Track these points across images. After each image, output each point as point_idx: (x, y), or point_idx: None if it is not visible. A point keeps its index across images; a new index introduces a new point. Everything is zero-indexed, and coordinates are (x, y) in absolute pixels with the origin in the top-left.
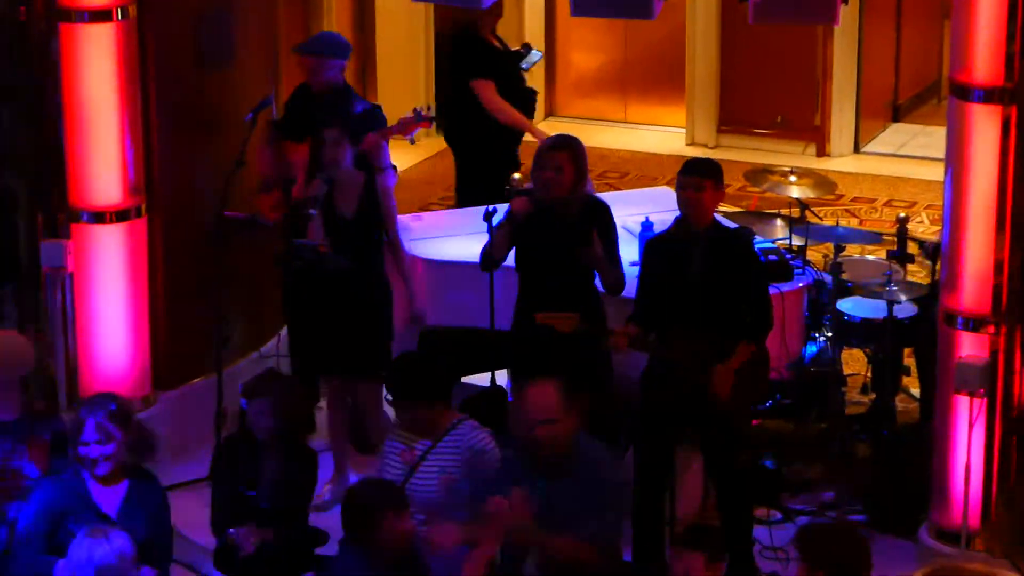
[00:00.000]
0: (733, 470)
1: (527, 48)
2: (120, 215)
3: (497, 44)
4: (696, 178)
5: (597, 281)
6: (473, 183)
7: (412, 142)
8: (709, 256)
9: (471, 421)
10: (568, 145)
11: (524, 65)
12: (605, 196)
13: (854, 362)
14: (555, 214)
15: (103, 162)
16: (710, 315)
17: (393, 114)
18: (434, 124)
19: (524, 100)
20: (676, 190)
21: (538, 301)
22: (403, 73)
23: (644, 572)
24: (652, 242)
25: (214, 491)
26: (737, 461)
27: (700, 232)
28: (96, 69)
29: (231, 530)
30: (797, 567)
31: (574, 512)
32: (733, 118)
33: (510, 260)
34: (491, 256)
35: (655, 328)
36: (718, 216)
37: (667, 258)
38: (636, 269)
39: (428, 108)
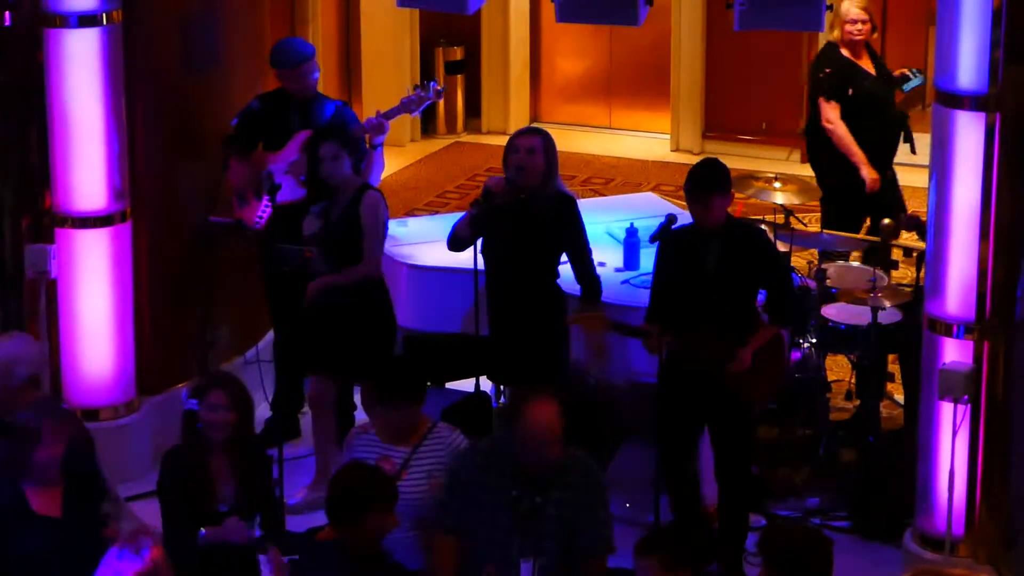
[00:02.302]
0: (741, 472)
1: (915, 72)
2: (105, 220)
3: (867, 63)
4: (702, 196)
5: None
6: (827, 203)
7: (419, 116)
8: (724, 250)
9: (444, 424)
10: (539, 132)
11: (905, 88)
12: (590, 202)
13: (838, 368)
14: (526, 209)
15: (88, 167)
16: (727, 308)
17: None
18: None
19: (889, 124)
20: (686, 200)
21: (501, 295)
22: (388, 77)
23: None
24: (667, 240)
25: (163, 507)
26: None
27: (714, 228)
28: (81, 74)
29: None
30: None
31: (575, 518)
32: (718, 124)
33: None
34: (457, 235)
35: (672, 324)
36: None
37: (683, 254)
38: (620, 275)
39: (426, 84)
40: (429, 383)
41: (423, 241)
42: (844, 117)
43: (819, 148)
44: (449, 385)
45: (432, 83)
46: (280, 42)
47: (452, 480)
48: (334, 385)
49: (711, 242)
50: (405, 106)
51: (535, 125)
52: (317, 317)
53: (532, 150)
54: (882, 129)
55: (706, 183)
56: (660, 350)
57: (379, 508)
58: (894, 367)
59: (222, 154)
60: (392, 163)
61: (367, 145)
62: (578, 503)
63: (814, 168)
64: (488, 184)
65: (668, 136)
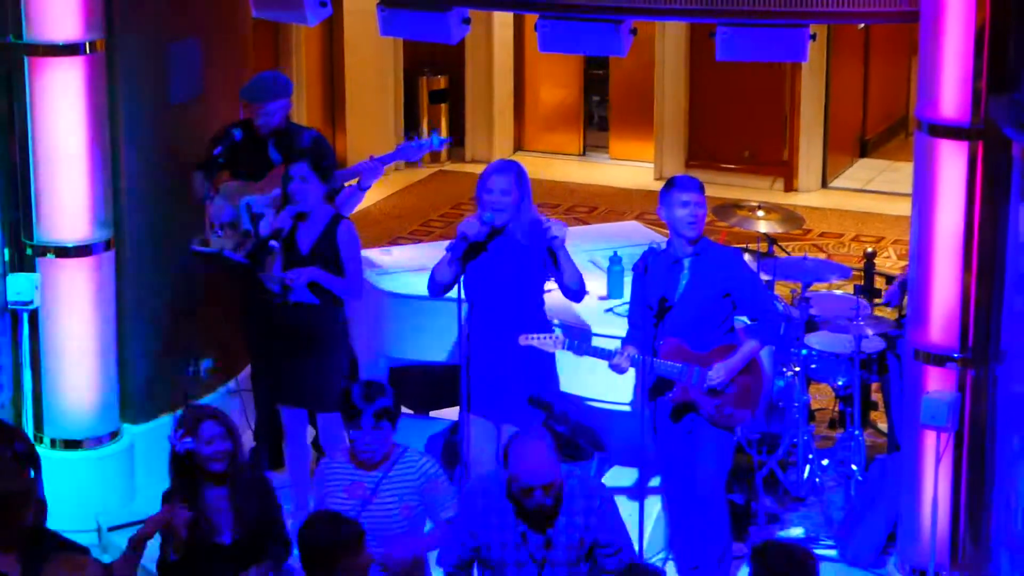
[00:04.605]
0: (715, 496)
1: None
2: (88, 249)
3: None
4: (698, 194)
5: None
6: None
7: (420, 164)
8: (694, 274)
9: (414, 448)
10: (511, 168)
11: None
12: (573, 230)
13: (822, 397)
14: (505, 238)
15: (71, 196)
16: (698, 332)
17: (361, 149)
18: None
19: None
20: (675, 208)
21: (488, 326)
22: (372, 106)
23: None
24: (639, 267)
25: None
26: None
27: (687, 250)
28: (64, 103)
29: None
30: None
31: (589, 531)
32: (701, 153)
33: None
34: (434, 279)
35: (650, 346)
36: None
37: (655, 280)
38: (604, 304)
39: (430, 132)
40: (411, 410)
41: (406, 270)
42: None
43: None
44: (433, 414)
45: (435, 131)
46: (257, 75)
47: (467, 516)
48: (304, 415)
49: (681, 267)
50: (402, 152)
51: (506, 159)
52: (284, 347)
53: (506, 191)
54: None
55: (699, 182)
56: (626, 367)
57: (350, 555)
58: (877, 395)
59: (194, 178)
60: (376, 192)
61: (358, 187)
62: (586, 512)
63: None
64: (465, 231)
65: (652, 165)
